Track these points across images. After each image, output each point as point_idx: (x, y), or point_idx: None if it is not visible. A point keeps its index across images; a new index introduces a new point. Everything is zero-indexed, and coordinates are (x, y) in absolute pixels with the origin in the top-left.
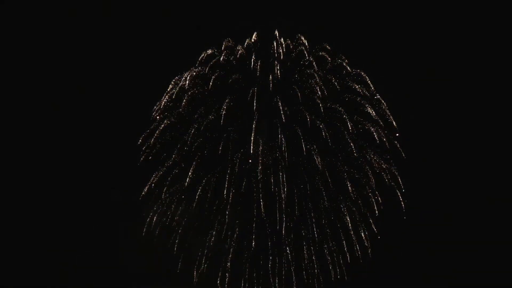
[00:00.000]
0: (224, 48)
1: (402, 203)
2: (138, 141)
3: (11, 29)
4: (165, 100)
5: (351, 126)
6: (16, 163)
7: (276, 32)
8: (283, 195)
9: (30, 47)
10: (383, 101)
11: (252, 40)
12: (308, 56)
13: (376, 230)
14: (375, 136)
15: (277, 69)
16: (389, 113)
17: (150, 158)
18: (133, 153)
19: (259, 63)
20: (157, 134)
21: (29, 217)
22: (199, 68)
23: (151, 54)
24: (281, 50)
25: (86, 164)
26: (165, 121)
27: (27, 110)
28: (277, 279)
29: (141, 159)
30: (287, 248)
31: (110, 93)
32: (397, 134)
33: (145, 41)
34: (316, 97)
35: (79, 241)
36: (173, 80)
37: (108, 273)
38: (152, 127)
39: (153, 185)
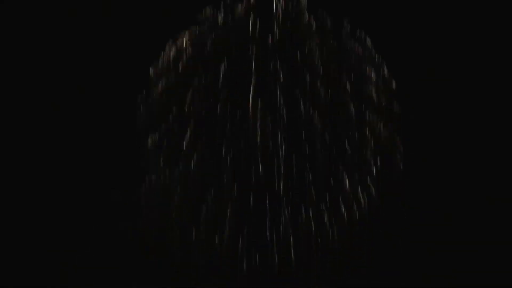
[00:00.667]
0: (223, 7)
1: (400, 164)
2: (137, 105)
3: (11, 29)
4: (163, 61)
5: (350, 87)
6: (15, 163)
7: None
8: (281, 156)
9: (30, 47)
10: (383, 62)
11: (252, 0)
12: (308, 17)
13: (374, 191)
14: (374, 97)
15: (276, 29)
16: (388, 75)
17: (148, 120)
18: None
19: (258, 23)
20: (154, 95)
21: (29, 217)
22: (198, 28)
23: (148, 19)
24: (280, 10)
25: (86, 163)
26: (163, 82)
27: (27, 110)
28: (275, 237)
29: (140, 120)
30: (285, 207)
31: (108, 57)
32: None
33: (141, 6)
34: (315, 57)
35: (79, 241)
36: (171, 40)
37: (108, 273)
38: (149, 88)
39: (151, 147)
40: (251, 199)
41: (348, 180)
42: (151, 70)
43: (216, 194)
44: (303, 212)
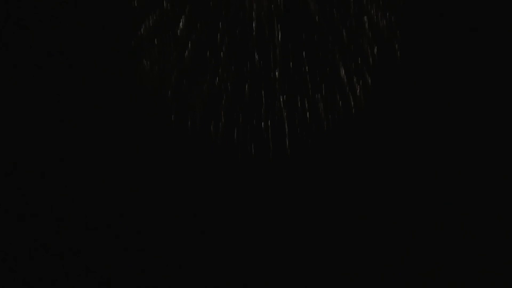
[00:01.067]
0: None
1: (398, 53)
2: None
3: (11, 28)
4: None
5: None
6: (15, 163)
7: None
8: (277, 43)
9: (31, 46)
10: None
11: None
12: None
13: (370, 80)
14: None
15: None
16: None
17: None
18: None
19: None
20: None
21: (29, 217)
22: None
23: None
24: None
25: (86, 163)
26: None
27: (27, 110)
28: (270, 125)
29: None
30: (280, 96)
31: None
32: None
33: None
34: None
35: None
36: None
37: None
38: None
39: (144, 31)
40: (246, 87)
41: (344, 69)
42: None
43: (211, 82)
44: (298, 101)
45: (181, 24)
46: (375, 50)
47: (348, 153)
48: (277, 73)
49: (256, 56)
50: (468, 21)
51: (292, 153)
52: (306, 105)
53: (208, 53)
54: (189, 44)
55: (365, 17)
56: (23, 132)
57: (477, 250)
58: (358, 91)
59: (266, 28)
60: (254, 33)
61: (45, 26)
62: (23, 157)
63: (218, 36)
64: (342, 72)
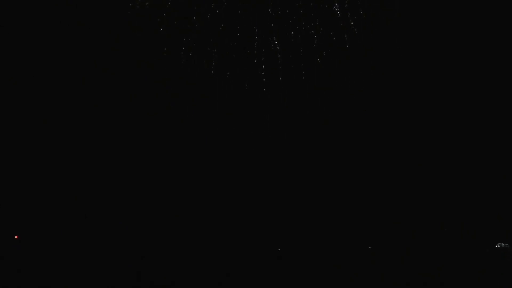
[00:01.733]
0: None
1: None
2: None
3: (11, 28)
4: None
5: None
6: (15, 163)
7: None
8: None
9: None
10: None
11: None
12: None
13: (364, 14)
14: None
15: None
16: None
17: None
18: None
19: None
20: None
21: (29, 217)
22: None
23: None
24: None
25: (86, 162)
26: None
27: (27, 110)
28: (263, 59)
29: None
30: (274, 37)
31: None
32: None
33: None
34: None
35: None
36: None
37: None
38: None
39: None
40: (240, 22)
41: (337, 2)
42: None
43: (203, 17)
44: (292, 34)
45: None
46: None
47: (342, 86)
48: (269, 9)
49: None
50: None
51: (285, 86)
52: (300, 38)
53: None
54: None
55: None
56: (23, 130)
57: (476, 249)
58: (351, 25)
59: None
60: None
61: None
62: (23, 156)
63: None
64: (336, 5)
